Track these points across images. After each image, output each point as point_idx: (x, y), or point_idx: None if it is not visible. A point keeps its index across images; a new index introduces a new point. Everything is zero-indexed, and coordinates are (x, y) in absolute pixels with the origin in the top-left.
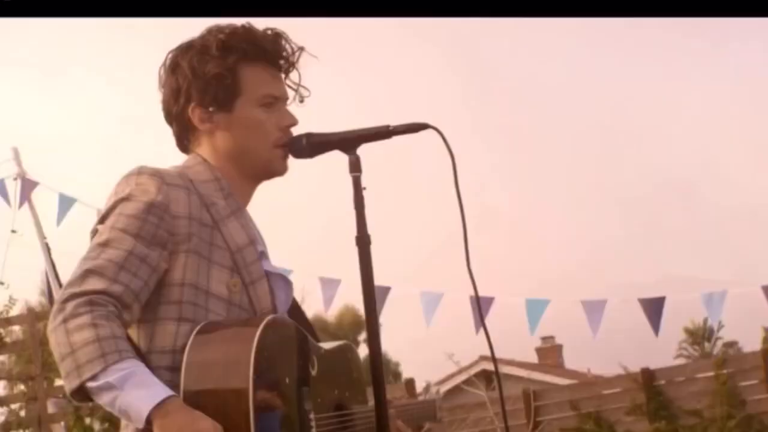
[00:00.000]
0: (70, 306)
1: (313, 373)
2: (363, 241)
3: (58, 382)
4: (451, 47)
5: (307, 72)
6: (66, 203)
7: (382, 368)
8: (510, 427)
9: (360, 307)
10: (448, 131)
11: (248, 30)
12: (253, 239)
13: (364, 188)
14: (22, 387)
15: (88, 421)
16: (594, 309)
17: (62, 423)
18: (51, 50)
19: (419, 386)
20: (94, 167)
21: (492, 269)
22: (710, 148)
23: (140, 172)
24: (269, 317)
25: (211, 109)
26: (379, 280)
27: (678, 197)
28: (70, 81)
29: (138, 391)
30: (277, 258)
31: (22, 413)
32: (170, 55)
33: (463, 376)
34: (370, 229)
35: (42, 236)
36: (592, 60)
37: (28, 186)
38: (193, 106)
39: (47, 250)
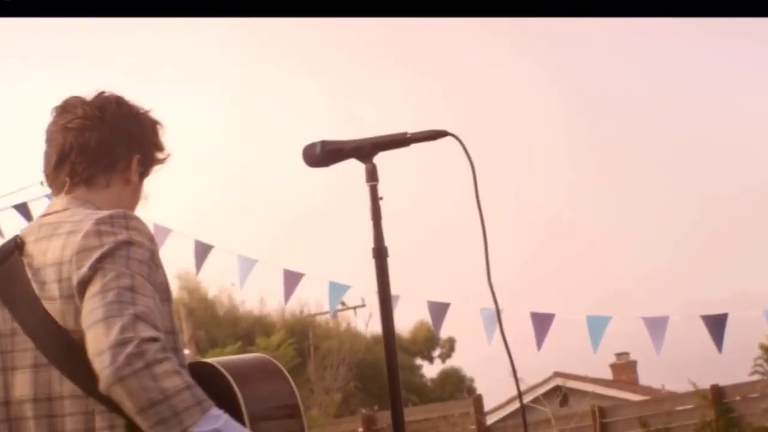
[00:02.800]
0: (150, 351)
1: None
2: (380, 254)
3: None
4: (548, 58)
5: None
6: None
7: (398, 382)
8: None
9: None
10: (541, 144)
11: None
12: None
13: (381, 198)
14: None
15: None
16: (656, 326)
17: None
18: (80, 60)
19: (487, 404)
20: None
21: (553, 285)
22: None
23: (128, 215)
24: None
25: (141, 168)
26: (439, 296)
27: (753, 211)
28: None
29: None
30: (339, 274)
31: None
32: (113, 99)
33: (539, 391)
34: (431, 244)
35: None
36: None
37: None
38: (138, 157)
39: None
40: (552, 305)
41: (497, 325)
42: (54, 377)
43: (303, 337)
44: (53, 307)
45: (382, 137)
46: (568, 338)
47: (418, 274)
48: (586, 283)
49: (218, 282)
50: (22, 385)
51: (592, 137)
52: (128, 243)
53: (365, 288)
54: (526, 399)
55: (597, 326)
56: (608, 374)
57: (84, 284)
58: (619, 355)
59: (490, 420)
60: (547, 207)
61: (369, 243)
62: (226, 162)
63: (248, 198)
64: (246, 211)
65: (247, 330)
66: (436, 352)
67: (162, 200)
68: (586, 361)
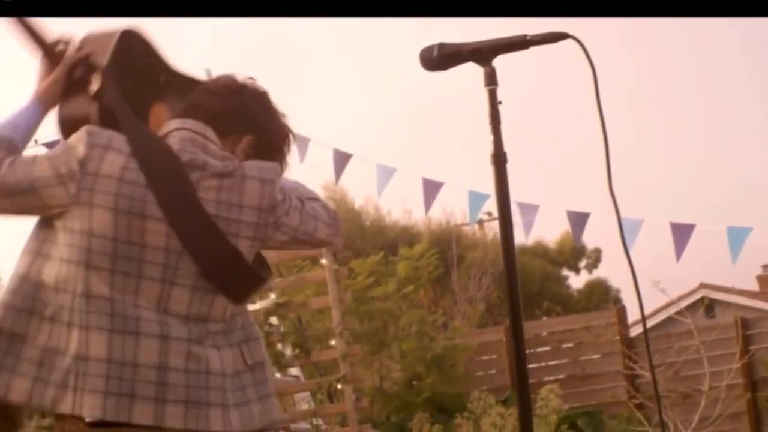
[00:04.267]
0: None
1: None
2: (499, 160)
3: (250, 307)
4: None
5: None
6: None
7: (518, 292)
8: (719, 355)
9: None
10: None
11: None
12: None
13: (500, 102)
14: None
15: (279, 346)
16: None
17: None
18: None
19: (632, 316)
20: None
21: (693, 195)
22: None
23: None
24: None
25: (249, 150)
26: (578, 206)
27: None
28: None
29: None
30: (481, 183)
31: None
32: (255, 87)
33: (683, 303)
34: (570, 152)
35: None
36: None
37: None
38: (250, 138)
39: None
40: (693, 215)
41: (636, 236)
42: (206, 301)
43: (448, 247)
44: (245, 244)
45: (500, 39)
46: (710, 249)
47: (560, 183)
48: (728, 194)
49: (364, 192)
50: (179, 300)
51: (735, 39)
52: None
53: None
54: (671, 310)
55: (737, 237)
56: (755, 286)
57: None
58: (765, 266)
59: (635, 332)
60: (687, 116)
61: (513, 150)
62: (363, 72)
63: (389, 107)
64: (387, 120)
65: (392, 240)
66: (582, 263)
67: (300, 110)
68: (732, 274)
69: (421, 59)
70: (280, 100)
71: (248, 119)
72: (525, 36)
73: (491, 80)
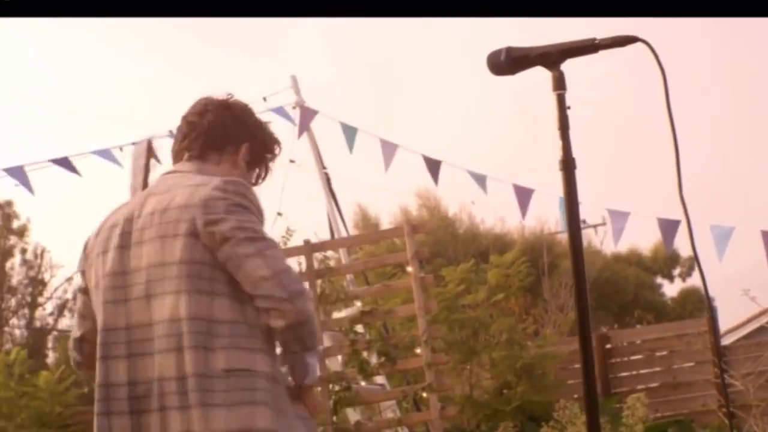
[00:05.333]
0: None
1: None
2: (567, 165)
3: (335, 315)
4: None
5: None
6: (349, 133)
7: (586, 296)
8: None
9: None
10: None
11: None
12: None
13: (569, 107)
14: None
15: (365, 354)
16: None
17: (339, 356)
18: None
19: (725, 323)
20: (371, 95)
21: None
22: None
23: (246, 185)
24: None
25: (248, 157)
26: (667, 213)
27: None
28: None
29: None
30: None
31: None
32: (225, 101)
33: None
34: (659, 159)
35: (322, 166)
36: None
37: (307, 115)
38: (247, 146)
39: (327, 180)
40: None
41: (727, 244)
42: (144, 308)
43: (540, 255)
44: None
45: (569, 43)
46: None
47: (654, 190)
48: None
49: (458, 200)
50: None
51: None
52: (256, 213)
53: (601, 205)
54: (763, 319)
55: None
56: None
57: (212, 225)
58: None
59: (728, 340)
60: None
61: (604, 158)
62: (455, 79)
63: (484, 113)
64: (482, 126)
65: (485, 248)
66: (677, 271)
67: (397, 117)
68: None
69: (489, 64)
70: (379, 106)
71: (241, 128)
72: (594, 39)
73: (560, 85)
